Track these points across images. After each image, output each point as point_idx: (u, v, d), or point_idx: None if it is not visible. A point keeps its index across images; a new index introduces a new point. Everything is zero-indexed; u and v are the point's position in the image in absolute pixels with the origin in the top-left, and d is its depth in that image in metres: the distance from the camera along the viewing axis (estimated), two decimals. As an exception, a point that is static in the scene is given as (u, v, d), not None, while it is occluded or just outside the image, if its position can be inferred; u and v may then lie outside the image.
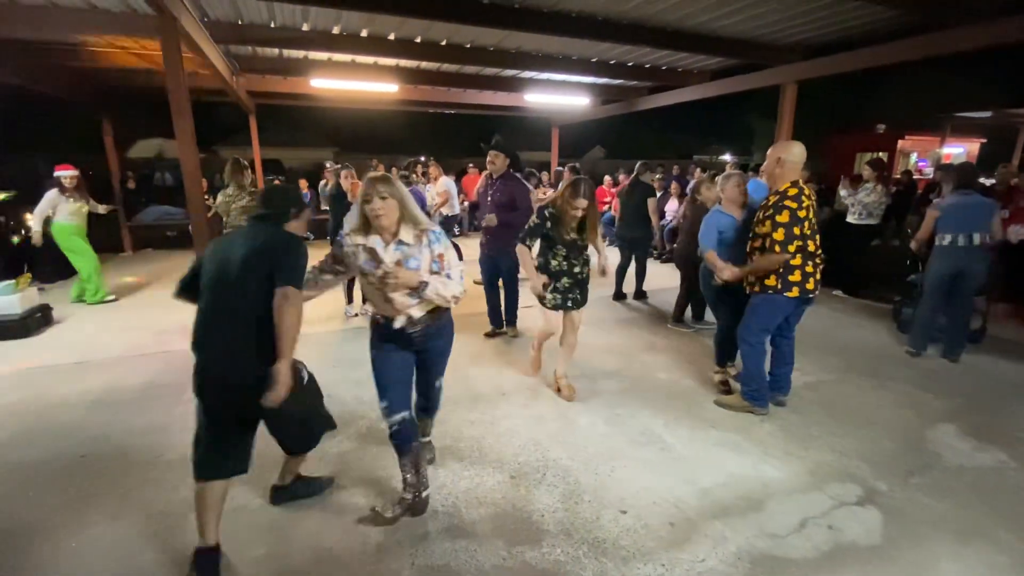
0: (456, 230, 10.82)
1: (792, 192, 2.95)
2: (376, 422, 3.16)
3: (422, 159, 8.63)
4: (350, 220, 4.17)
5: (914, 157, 11.60)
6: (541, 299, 3.32)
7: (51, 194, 5.43)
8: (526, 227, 3.22)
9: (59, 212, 5.47)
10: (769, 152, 3.11)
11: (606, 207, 9.59)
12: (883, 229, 6.40)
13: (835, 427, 3.14)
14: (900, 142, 11.00)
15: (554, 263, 3.26)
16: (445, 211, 7.20)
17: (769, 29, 5.42)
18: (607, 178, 10.53)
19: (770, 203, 3.00)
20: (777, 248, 2.93)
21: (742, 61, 6.65)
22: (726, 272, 3.23)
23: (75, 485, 2.56)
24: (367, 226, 2.13)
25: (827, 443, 2.96)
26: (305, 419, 2.22)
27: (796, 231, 2.91)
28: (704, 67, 7.38)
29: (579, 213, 3.09)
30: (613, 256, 5.21)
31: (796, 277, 3.00)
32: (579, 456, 2.80)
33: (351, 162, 5.98)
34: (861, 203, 5.95)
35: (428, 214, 8.37)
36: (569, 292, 3.29)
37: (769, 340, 3.29)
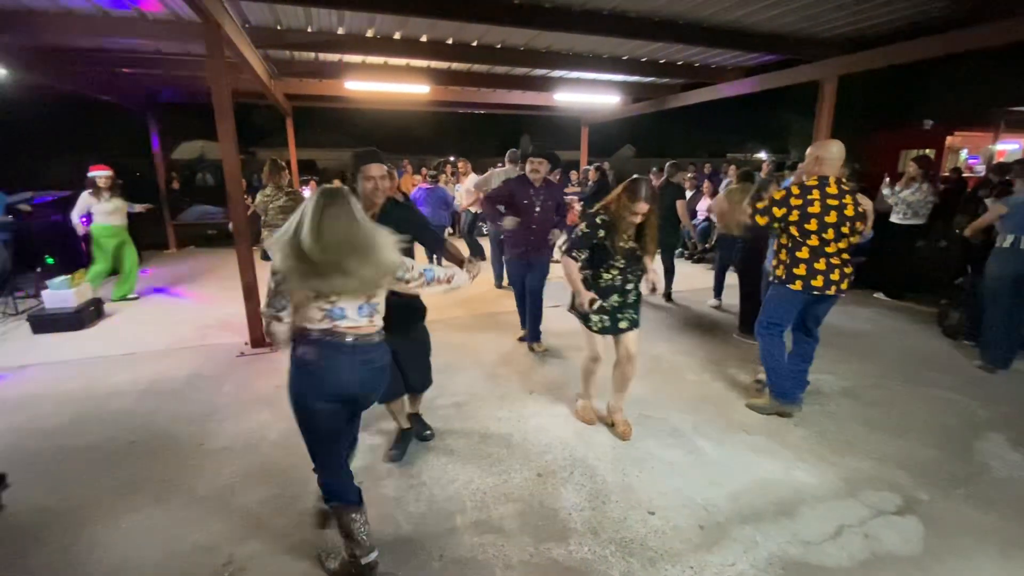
0: (484, 229, 10.91)
1: (809, 183, 2.99)
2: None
3: (451, 159, 8.71)
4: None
5: (964, 154, 11.05)
6: (585, 320, 2.88)
7: (84, 195, 5.56)
8: (574, 236, 2.77)
9: (96, 213, 5.61)
10: (808, 151, 3.11)
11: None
12: (929, 229, 6.14)
13: (873, 434, 3.04)
14: (948, 138, 10.50)
15: (606, 277, 2.81)
16: (474, 209, 7.25)
17: (809, 23, 5.26)
18: (635, 175, 10.40)
19: None
20: (747, 208, 3.19)
21: (779, 57, 6.48)
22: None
23: (125, 469, 2.70)
24: None
25: (864, 450, 2.87)
26: (426, 360, 2.85)
27: (776, 212, 3.01)
28: (739, 64, 7.22)
29: (638, 219, 2.68)
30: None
31: (801, 271, 3.02)
32: (606, 456, 2.79)
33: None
34: (905, 202, 5.72)
35: (455, 213, 8.43)
36: (620, 312, 2.84)
37: (791, 337, 3.30)
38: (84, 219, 5.75)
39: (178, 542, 2.19)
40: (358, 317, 1.81)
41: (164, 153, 9.49)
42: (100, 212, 5.62)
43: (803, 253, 3.00)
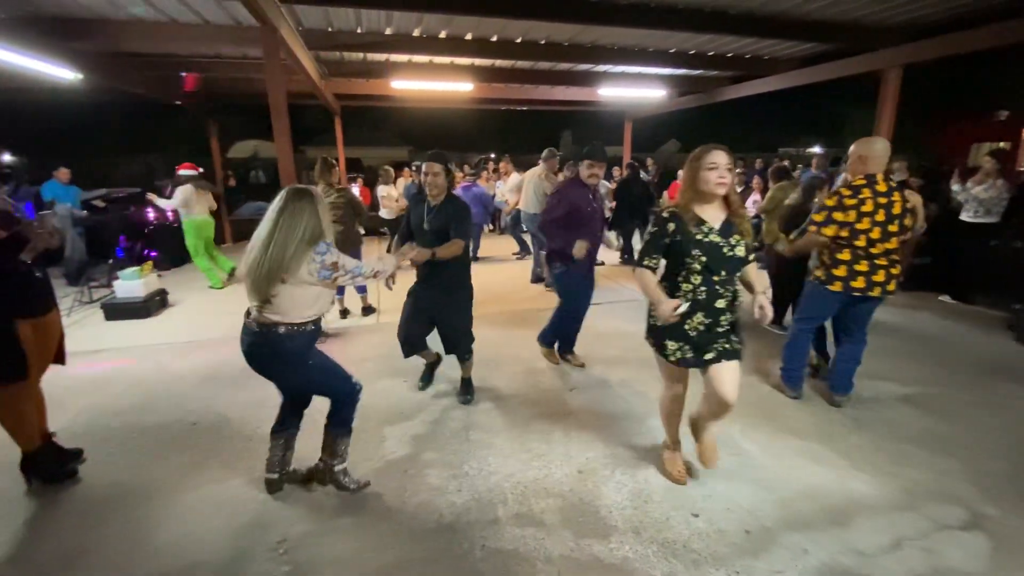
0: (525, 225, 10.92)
1: (857, 183, 2.92)
2: (446, 412, 3.30)
3: (491, 156, 8.77)
4: None
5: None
6: (660, 347, 2.30)
7: (187, 190, 5.99)
8: (644, 244, 2.27)
9: (194, 208, 6.07)
10: (851, 149, 3.03)
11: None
12: (1003, 228, 5.71)
13: (936, 444, 2.87)
14: (1026, 130, 9.73)
15: (685, 288, 2.20)
16: (522, 207, 7.27)
17: (869, 10, 4.99)
18: (681, 173, 10.17)
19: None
20: (812, 227, 3.01)
21: (837, 46, 6.18)
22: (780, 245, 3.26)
23: (188, 449, 2.88)
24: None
25: (926, 460, 2.71)
26: (467, 330, 3.28)
27: (839, 217, 2.90)
28: (793, 54, 6.92)
29: (719, 186, 2.14)
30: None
31: (841, 272, 2.99)
32: (649, 456, 2.76)
33: (422, 159, 6.21)
34: (977, 199, 5.34)
35: (494, 212, 8.46)
36: (707, 337, 2.20)
37: (833, 335, 3.35)
38: (170, 214, 6.26)
39: (236, 520, 2.32)
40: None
41: (220, 152, 9.99)
42: (197, 207, 6.09)
43: (844, 255, 2.97)
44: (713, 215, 2.19)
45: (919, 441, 2.90)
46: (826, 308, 3.17)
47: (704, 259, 2.14)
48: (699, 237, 2.15)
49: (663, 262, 2.26)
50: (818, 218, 2.99)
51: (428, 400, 3.41)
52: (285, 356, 2.18)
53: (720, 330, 2.22)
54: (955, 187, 5.67)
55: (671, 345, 2.25)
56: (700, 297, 2.18)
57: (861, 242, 2.90)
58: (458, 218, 2.98)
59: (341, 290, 5.27)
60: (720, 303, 2.19)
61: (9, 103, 10.11)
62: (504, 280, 6.74)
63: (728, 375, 2.20)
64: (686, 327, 2.21)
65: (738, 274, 2.26)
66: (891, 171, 6.36)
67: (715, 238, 2.16)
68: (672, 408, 2.51)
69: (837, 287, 3.00)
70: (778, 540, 2.15)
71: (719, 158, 2.12)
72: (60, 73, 5.32)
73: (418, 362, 3.98)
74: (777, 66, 7.21)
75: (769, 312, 2.20)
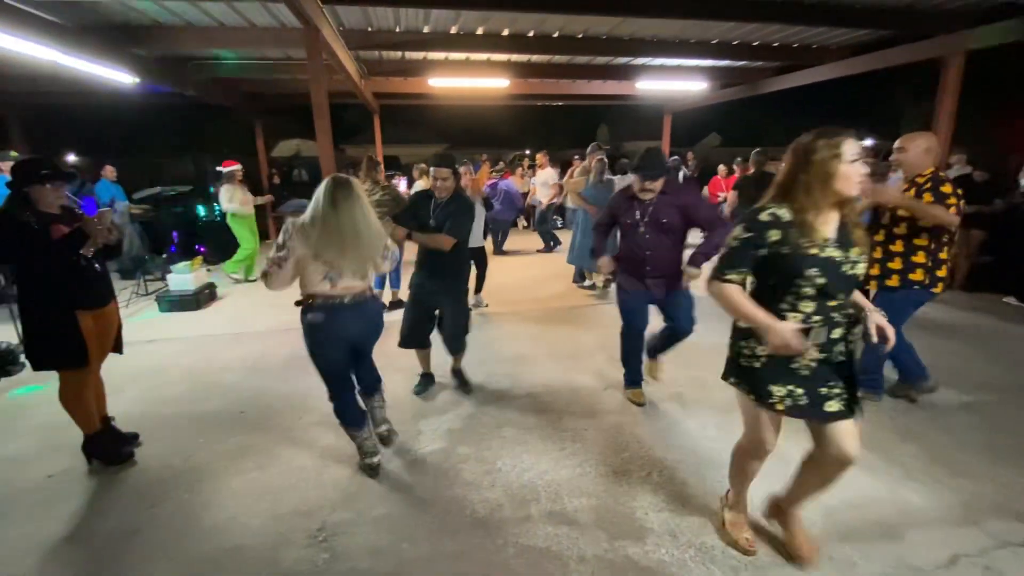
0: (559, 222, 10.87)
1: (930, 176, 2.85)
2: (480, 408, 3.31)
3: (527, 153, 8.75)
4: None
5: None
6: (757, 389, 1.77)
7: (229, 187, 6.36)
8: (726, 251, 1.75)
9: (235, 202, 6.39)
10: (917, 143, 2.91)
11: (719, 200, 9.00)
12: (1078, 225, 5.30)
13: (998, 455, 2.69)
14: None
15: (793, 319, 1.69)
16: (558, 201, 7.24)
17: (929, -8, 4.70)
18: (721, 168, 9.86)
19: (921, 183, 2.86)
20: (953, 211, 2.74)
21: (892, 32, 5.84)
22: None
23: (235, 436, 3.00)
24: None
25: (987, 472, 2.55)
26: (466, 326, 3.38)
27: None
28: (844, 42, 6.59)
29: (853, 187, 1.65)
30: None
31: (943, 272, 2.93)
32: (687, 459, 2.70)
33: (464, 157, 6.27)
34: (1047, 194, 4.96)
35: (522, 209, 8.43)
36: (826, 377, 1.71)
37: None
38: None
39: (278, 506, 2.40)
40: (352, 280, 2.37)
41: (265, 151, 10.34)
42: (238, 202, 6.39)
43: (944, 253, 2.88)
44: (826, 222, 1.67)
45: (979, 451, 2.72)
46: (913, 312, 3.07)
47: (822, 280, 1.63)
48: (814, 251, 1.63)
49: (748, 279, 1.76)
50: (952, 201, 2.74)
51: (462, 395, 3.43)
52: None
53: (838, 371, 1.73)
54: (1022, 181, 5.29)
55: (778, 390, 1.72)
56: (821, 323, 1.68)
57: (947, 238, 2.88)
58: (456, 216, 3.03)
59: (396, 281, 5.38)
60: (835, 333, 1.70)
61: (73, 107, 10.76)
62: (534, 275, 6.72)
63: (851, 426, 1.74)
64: (795, 365, 1.71)
65: None
66: (949, 165, 6.00)
67: (833, 252, 1.64)
68: (754, 465, 2.02)
69: (939, 289, 2.92)
70: (825, 551, 2.06)
71: (857, 147, 1.64)
72: (120, 77, 5.62)
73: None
74: (826, 55, 6.88)
75: (892, 335, 1.70)
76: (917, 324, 4.46)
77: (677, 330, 3.20)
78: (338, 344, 2.41)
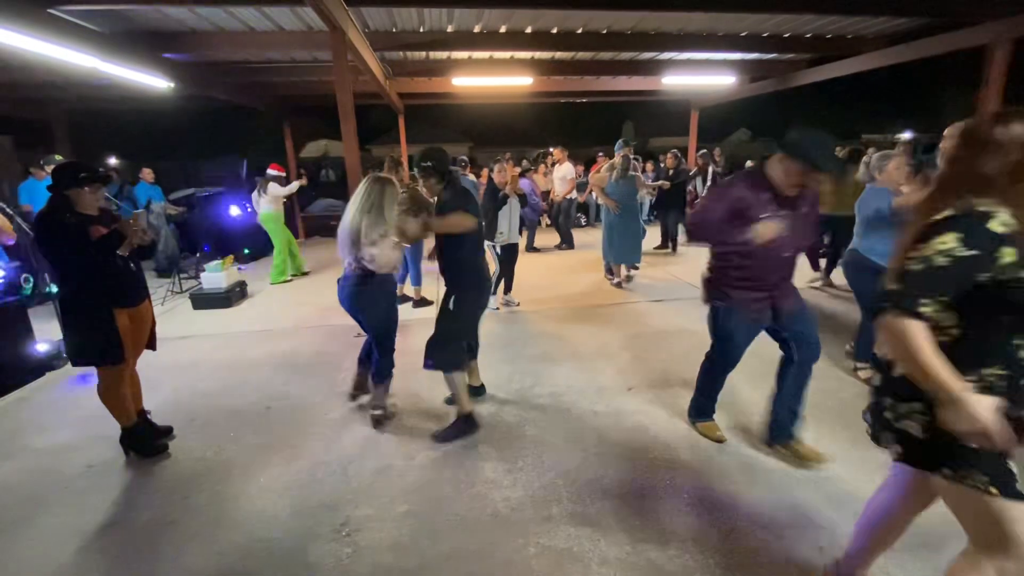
0: (583, 220, 10.78)
1: None
2: (502, 406, 3.31)
3: (551, 150, 8.70)
4: (505, 215, 4.45)
5: None
6: (982, 474, 1.28)
7: (280, 187, 6.67)
8: (921, 269, 1.21)
9: (275, 200, 6.63)
10: (947, 133, 2.80)
11: None
12: None
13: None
14: None
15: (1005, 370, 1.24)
16: (580, 198, 7.17)
17: (975, -23, 4.48)
18: (749, 163, 9.65)
19: None
20: None
21: (932, 20, 5.59)
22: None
23: (264, 431, 3.08)
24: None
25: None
26: (438, 338, 2.98)
27: None
28: (881, 31, 6.34)
29: None
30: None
31: None
32: (712, 462, 2.64)
33: (485, 155, 6.27)
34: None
35: (535, 205, 8.41)
36: None
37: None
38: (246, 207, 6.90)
39: (304, 500, 2.45)
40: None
41: (294, 152, 10.57)
42: (277, 199, 6.70)
43: None
44: None
45: (1019, 460, 2.58)
46: None
47: None
48: None
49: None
50: None
51: (485, 394, 3.43)
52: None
53: None
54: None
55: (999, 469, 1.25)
56: None
57: None
58: (454, 199, 2.80)
59: (415, 278, 5.41)
60: None
61: (113, 112, 11.20)
62: (560, 272, 6.68)
63: None
64: None
65: None
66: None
67: None
68: None
69: None
70: (856, 560, 1.99)
71: None
72: (155, 83, 5.82)
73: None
74: (862, 46, 6.63)
75: None
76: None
77: (807, 355, 2.56)
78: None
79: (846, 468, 2.55)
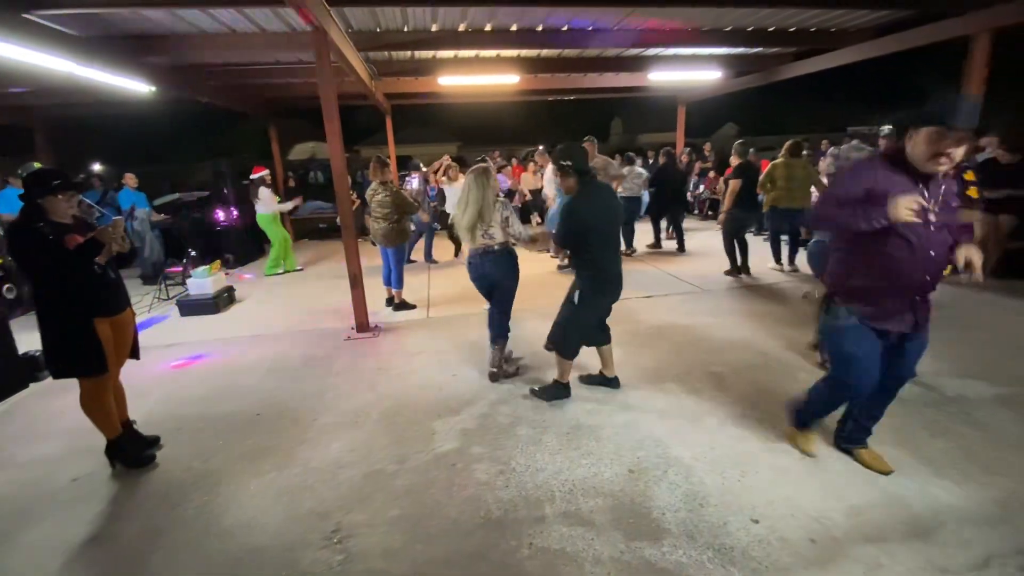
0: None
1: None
2: (494, 407, 3.29)
3: (540, 148, 8.67)
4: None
5: None
6: None
7: (268, 191, 6.89)
8: None
9: (268, 204, 6.85)
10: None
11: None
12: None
13: (1037, 451, 2.57)
14: None
15: None
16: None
17: (955, -32, 4.51)
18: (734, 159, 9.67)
19: None
20: None
21: (915, 12, 5.63)
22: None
23: (253, 438, 3.04)
24: None
25: (1023, 469, 2.44)
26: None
27: None
28: (864, 24, 6.38)
29: None
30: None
31: None
32: (705, 457, 2.64)
33: (475, 154, 6.27)
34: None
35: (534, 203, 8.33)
36: None
37: None
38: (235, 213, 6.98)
39: (295, 507, 2.42)
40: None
41: (281, 154, 10.47)
42: (271, 203, 6.92)
43: None
44: None
45: (1015, 446, 2.61)
46: None
47: None
48: None
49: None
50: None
51: (476, 395, 3.42)
52: None
53: None
54: (1057, 163, 5.06)
55: None
56: None
57: None
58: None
59: (397, 281, 5.37)
60: None
61: (96, 117, 11.02)
62: (550, 270, 6.66)
63: None
64: None
65: None
66: (981, 148, 5.78)
67: None
68: None
69: None
70: (848, 551, 2.00)
71: None
72: (135, 87, 5.73)
73: (466, 355, 4.03)
74: (846, 38, 6.67)
75: None
76: (946, 315, 4.30)
77: (903, 378, 2.32)
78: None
79: (836, 459, 2.57)
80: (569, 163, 2.93)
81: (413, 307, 5.38)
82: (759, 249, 6.94)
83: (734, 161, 6.14)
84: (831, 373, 2.40)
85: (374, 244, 5.61)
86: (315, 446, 2.92)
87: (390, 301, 5.41)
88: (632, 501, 2.34)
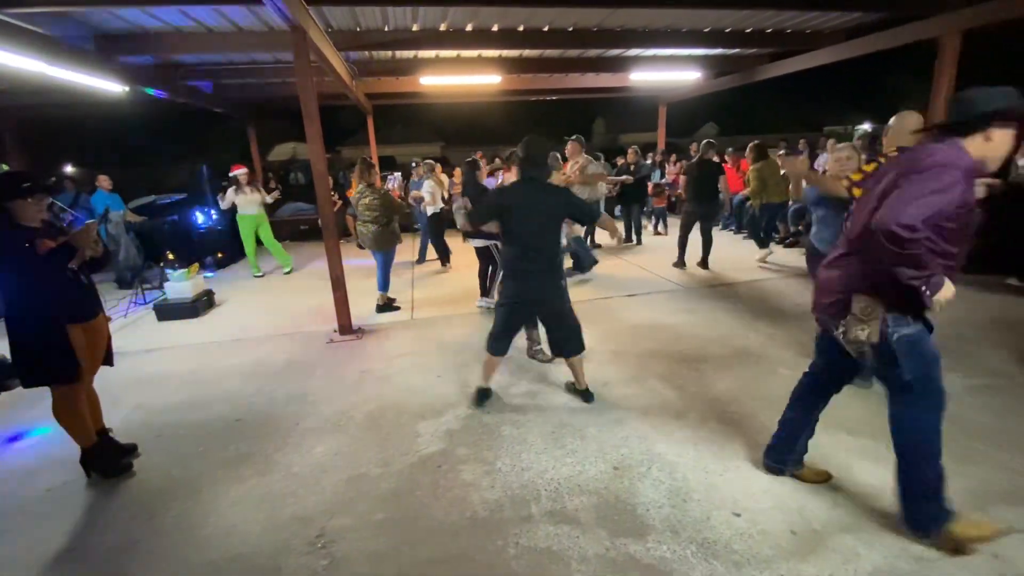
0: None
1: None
2: (479, 408, 3.29)
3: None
4: None
5: None
6: None
7: (230, 192, 6.79)
8: None
9: (240, 205, 6.81)
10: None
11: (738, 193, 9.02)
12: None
13: (1007, 440, 2.65)
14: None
15: None
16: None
17: (924, -28, 4.64)
18: (728, 158, 9.80)
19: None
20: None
21: (887, 14, 5.78)
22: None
23: (234, 444, 2.99)
24: None
25: (996, 459, 2.51)
26: (575, 326, 3.15)
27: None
28: (837, 26, 6.53)
29: None
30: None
31: None
32: (687, 453, 2.67)
33: (458, 154, 6.24)
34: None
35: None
36: None
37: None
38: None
39: (277, 514, 2.38)
40: None
41: (261, 155, 10.32)
42: (242, 203, 6.84)
43: None
44: None
45: (988, 437, 2.69)
46: None
47: None
48: None
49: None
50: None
51: (460, 396, 3.41)
52: None
53: None
54: (1021, 161, 5.23)
55: None
56: None
57: None
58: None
59: (382, 284, 5.33)
60: None
61: (69, 118, 10.75)
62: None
63: None
64: None
65: None
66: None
67: None
68: None
69: None
70: (827, 542, 2.04)
71: None
72: (108, 87, 5.59)
73: (449, 357, 4.02)
74: (820, 40, 6.82)
75: None
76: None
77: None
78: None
79: (815, 452, 2.61)
80: (517, 152, 2.98)
81: (397, 308, 5.34)
82: (733, 246, 7.05)
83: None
84: (921, 390, 2.02)
85: (361, 247, 5.56)
86: (297, 451, 2.88)
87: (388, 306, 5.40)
88: (617, 498, 2.36)
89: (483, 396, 3.28)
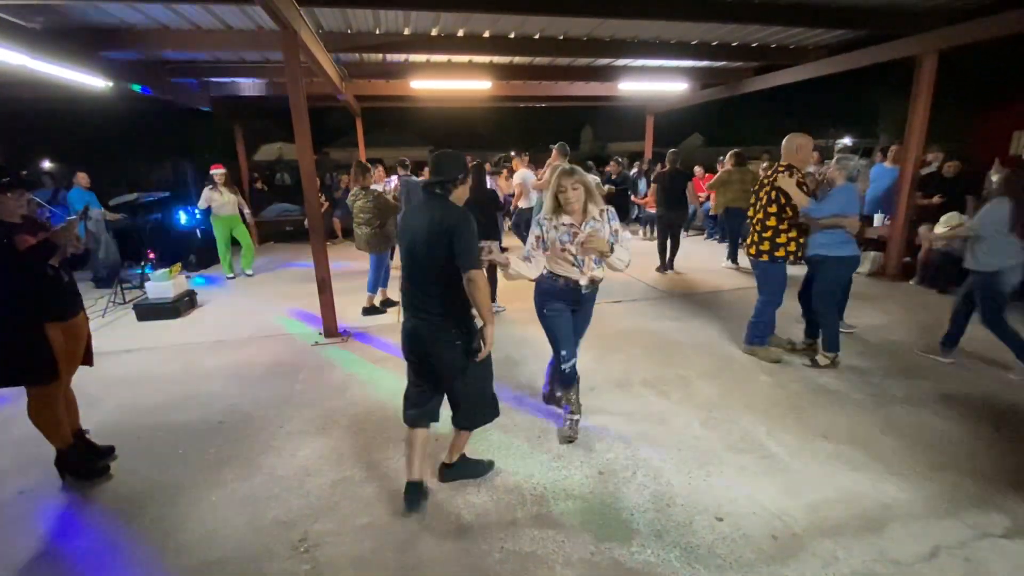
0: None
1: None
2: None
3: (512, 154, 8.73)
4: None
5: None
6: None
7: (205, 191, 6.69)
8: None
9: (214, 205, 6.69)
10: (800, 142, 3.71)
11: (703, 200, 9.17)
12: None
13: (979, 447, 2.73)
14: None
15: None
16: (522, 204, 7.20)
17: (903, -7, 4.79)
18: (698, 168, 9.95)
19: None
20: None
21: (868, 32, 5.94)
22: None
23: (215, 447, 2.94)
24: (559, 208, 2.59)
25: (968, 464, 2.59)
26: (481, 392, 2.40)
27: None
28: (821, 42, 6.70)
29: None
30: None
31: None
32: (671, 458, 2.70)
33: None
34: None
35: (508, 209, 8.46)
36: None
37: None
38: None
39: (259, 517, 2.35)
40: None
41: (246, 155, 10.20)
42: (215, 204, 6.71)
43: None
44: None
45: (960, 444, 2.77)
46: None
47: None
48: None
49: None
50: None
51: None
52: None
53: None
54: (994, 177, 5.41)
55: None
56: None
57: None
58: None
59: (372, 285, 5.30)
60: None
61: (49, 112, 10.52)
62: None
63: None
64: None
65: None
66: (927, 162, 6.12)
67: None
68: None
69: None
70: (807, 546, 2.08)
71: None
72: (91, 81, 5.50)
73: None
74: (804, 55, 6.98)
75: None
76: (901, 321, 4.53)
77: None
78: None
79: (795, 458, 2.66)
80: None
81: (384, 311, 5.31)
82: (718, 256, 7.16)
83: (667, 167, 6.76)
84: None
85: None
86: (281, 454, 2.85)
87: (387, 303, 5.37)
88: (602, 503, 2.37)
89: (412, 494, 2.33)
